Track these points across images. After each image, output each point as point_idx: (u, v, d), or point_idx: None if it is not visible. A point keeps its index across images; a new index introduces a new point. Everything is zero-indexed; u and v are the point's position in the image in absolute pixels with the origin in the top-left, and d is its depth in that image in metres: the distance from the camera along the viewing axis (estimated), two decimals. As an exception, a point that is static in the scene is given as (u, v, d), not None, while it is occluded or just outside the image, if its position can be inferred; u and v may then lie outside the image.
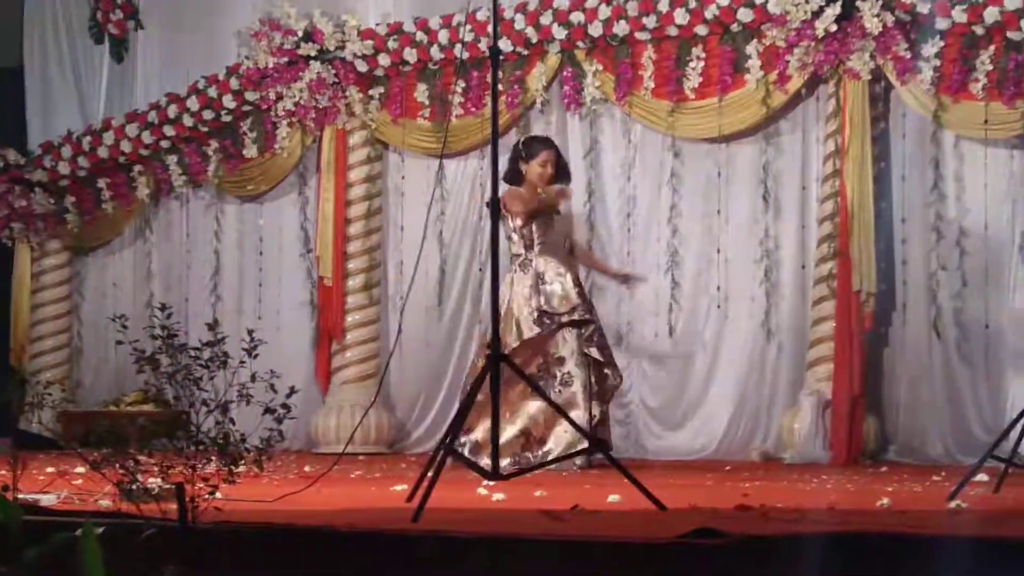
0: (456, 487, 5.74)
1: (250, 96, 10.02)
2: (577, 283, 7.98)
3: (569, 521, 4.61)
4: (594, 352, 7.85)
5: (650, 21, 8.83)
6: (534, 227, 7.97)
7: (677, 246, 9.06)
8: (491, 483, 5.67)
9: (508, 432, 7.60)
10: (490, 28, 8.79)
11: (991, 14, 7.97)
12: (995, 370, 8.26)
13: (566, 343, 7.86)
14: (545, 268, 7.93)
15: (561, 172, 8.13)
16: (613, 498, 5.35)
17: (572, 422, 6.34)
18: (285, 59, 9.78)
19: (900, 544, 3.87)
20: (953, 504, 5.37)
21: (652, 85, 8.96)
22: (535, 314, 7.84)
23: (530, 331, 7.82)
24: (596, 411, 7.80)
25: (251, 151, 10.16)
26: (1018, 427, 6.26)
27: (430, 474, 4.91)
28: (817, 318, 8.52)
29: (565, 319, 7.85)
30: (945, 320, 8.38)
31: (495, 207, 5.06)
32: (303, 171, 10.17)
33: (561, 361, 7.85)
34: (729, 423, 8.87)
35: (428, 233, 9.54)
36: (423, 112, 9.64)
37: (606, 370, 7.93)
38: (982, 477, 6.42)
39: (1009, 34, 7.97)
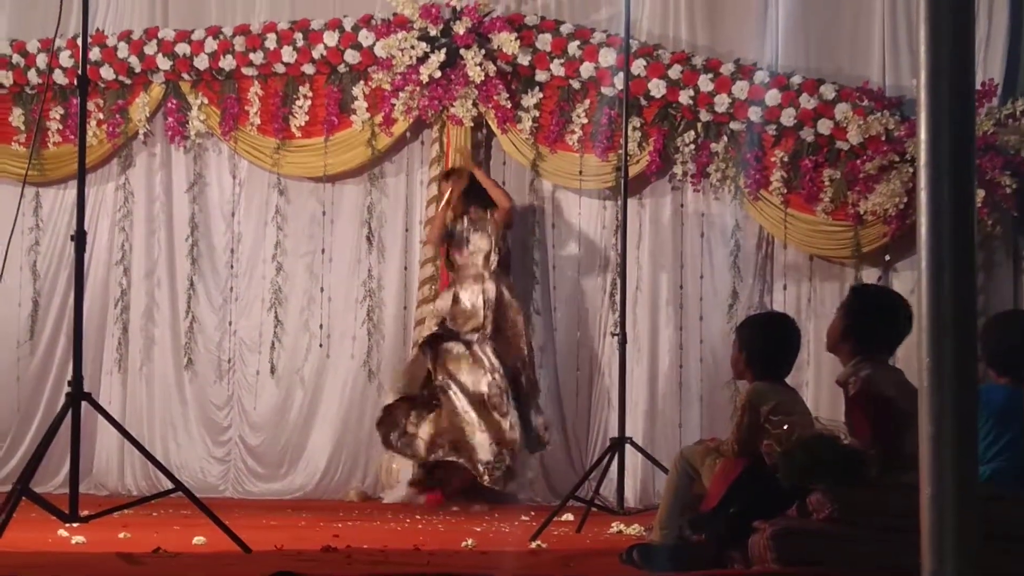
0: (36, 529, 5.51)
1: None
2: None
3: (148, 564, 4.50)
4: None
5: (257, 57, 8.80)
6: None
7: (281, 284, 9.02)
8: (72, 525, 5.47)
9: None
10: (89, 55, 8.61)
11: (587, 69, 8.30)
12: (584, 411, 8.54)
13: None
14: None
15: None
16: (199, 540, 5.25)
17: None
18: None
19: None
20: (534, 544, 5.52)
21: (258, 121, 8.92)
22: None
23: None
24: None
25: None
26: (599, 469, 6.51)
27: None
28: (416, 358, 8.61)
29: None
30: (539, 363, 8.60)
31: (80, 240, 4.90)
32: None
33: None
34: (329, 462, 8.86)
35: (22, 264, 9.25)
36: (18, 137, 9.30)
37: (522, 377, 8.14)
38: (568, 517, 6.62)
39: (603, 89, 8.31)
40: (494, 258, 8.16)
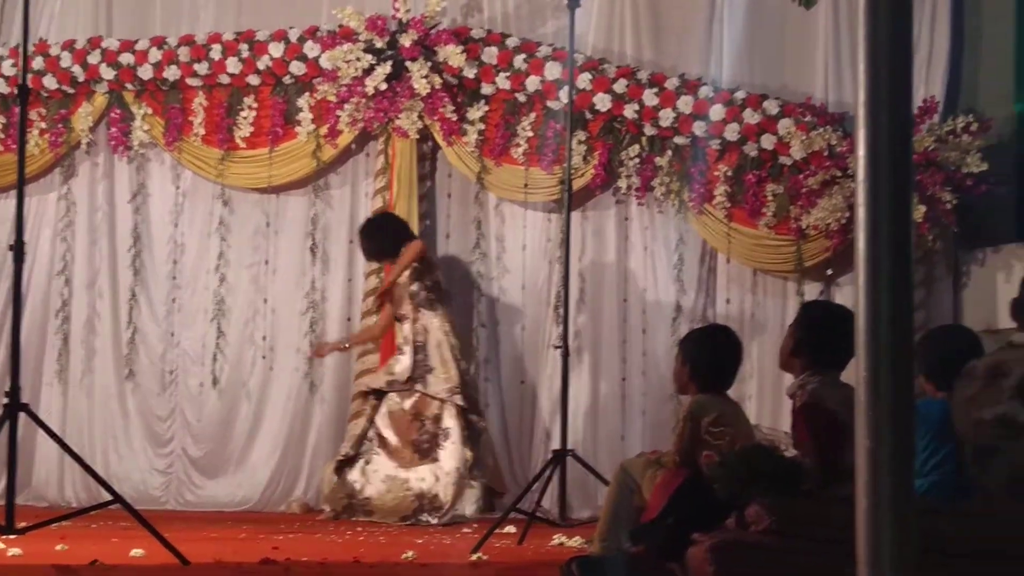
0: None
1: None
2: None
3: (85, 577, 4.46)
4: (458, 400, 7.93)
5: (202, 68, 8.76)
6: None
7: (224, 295, 8.97)
8: (9, 536, 5.42)
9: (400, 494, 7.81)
10: (32, 64, 8.56)
11: (532, 83, 8.31)
12: (528, 424, 8.54)
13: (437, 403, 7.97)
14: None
15: None
16: (136, 552, 5.21)
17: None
18: None
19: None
20: (475, 556, 5.52)
21: (203, 132, 8.87)
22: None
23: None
24: (469, 455, 7.85)
25: None
26: (541, 481, 6.51)
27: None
28: (361, 371, 8.58)
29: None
30: (483, 375, 8.60)
31: (19, 250, 4.86)
32: None
33: (438, 419, 7.92)
34: (271, 474, 8.81)
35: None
36: (-40, 147, 9.21)
37: (471, 416, 7.99)
38: (510, 529, 6.63)
39: (549, 103, 8.32)
40: (407, 301, 8.08)
